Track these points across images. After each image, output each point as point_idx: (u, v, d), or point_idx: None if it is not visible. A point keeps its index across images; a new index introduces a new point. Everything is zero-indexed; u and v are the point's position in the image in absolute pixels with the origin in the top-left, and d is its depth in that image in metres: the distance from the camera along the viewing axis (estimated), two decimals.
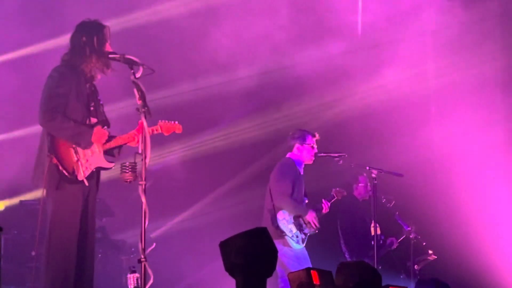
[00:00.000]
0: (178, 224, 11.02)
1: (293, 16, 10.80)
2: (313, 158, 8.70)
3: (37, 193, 7.15)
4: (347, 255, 9.91)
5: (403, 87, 10.91)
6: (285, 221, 8.39)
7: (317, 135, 8.75)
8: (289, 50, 10.86)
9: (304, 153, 8.65)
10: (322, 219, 8.71)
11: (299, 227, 8.42)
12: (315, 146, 8.69)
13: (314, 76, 10.79)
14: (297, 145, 8.67)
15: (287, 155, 8.73)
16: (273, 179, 8.60)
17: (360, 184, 10.13)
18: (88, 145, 6.23)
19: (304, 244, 8.50)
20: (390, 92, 10.86)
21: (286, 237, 8.33)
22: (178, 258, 10.49)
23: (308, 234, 8.51)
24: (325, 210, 8.71)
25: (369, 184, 9.82)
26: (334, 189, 9.02)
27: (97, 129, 6.29)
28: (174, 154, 10.87)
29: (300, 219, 8.43)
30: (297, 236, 8.40)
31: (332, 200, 8.88)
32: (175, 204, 10.90)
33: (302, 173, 8.68)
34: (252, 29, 10.52)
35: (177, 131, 6.55)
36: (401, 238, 10.05)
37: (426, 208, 10.66)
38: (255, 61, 10.79)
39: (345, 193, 9.17)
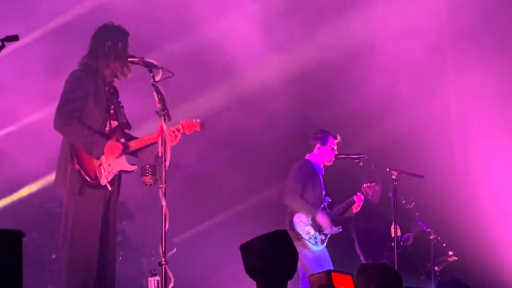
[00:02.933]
0: (200, 226, 10.99)
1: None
2: (333, 160, 8.69)
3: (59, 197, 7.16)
4: (361, 258, 9.89)
5: (422, 89, 10.86)
6: (302, 224, 8.38)
7: (338, 137, 8.73)
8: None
9: (324, 154, 8.65)
10: (340, 220, 8.68)
11: (318, 228, 8.42)
12: (336, 148, 8.68)
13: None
14: (318, 145, 8.68)
15: (306, 156, 8.73)
16: (287, 180, 8.62)
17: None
18: (99, 156, 6.17)
19: (325, 245, 8.49)
20: (410, 93, 10.80)
21: (303, 239, 8.33)
22: (199, 260, 10.48)
23: (329, 234, 8.49)
24: (358, 203, 8.55)
25: (379, 186, 9.69)
26: (364, 185, 8.69)
27: (111, 142, 6.21)
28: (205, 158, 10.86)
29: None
30: (315, 238, 8.39)
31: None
32: (199, 209, 10.88)
33: (322, 173, 8.67)
34: None
35: (198, 129, 6.52)
36: (417, 232, 9.98)
37: (447, 209, 10.60)
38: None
39: (377, 188, 8.87)
